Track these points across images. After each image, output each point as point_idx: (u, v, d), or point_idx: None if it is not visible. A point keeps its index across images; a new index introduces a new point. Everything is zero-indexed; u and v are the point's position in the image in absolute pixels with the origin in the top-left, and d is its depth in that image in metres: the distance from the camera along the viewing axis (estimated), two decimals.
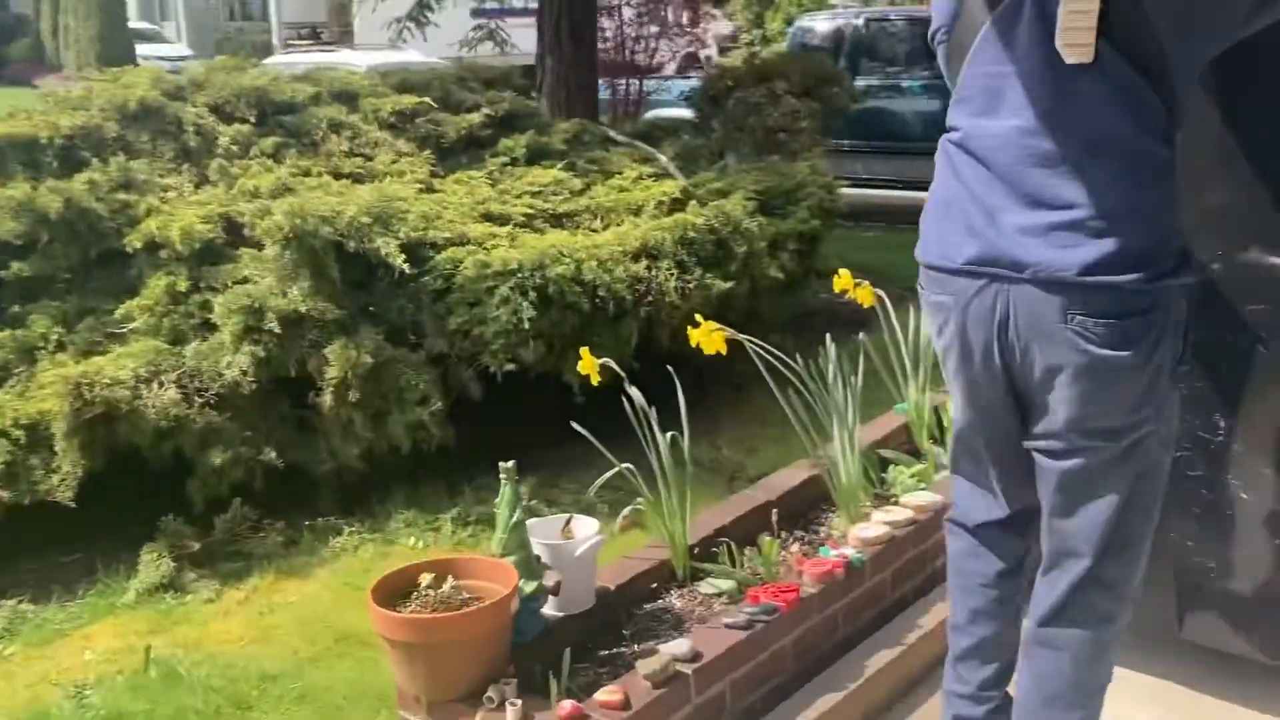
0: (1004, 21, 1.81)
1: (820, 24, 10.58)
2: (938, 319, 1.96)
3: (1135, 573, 1.96)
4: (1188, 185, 1.89)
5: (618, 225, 4.36)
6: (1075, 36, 1.70)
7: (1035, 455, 1.95)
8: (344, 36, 20.22)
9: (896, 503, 3.05)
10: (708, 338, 2.88)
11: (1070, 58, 1.72)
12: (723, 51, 22.08)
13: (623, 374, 2.67)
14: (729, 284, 4.21)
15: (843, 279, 3.40)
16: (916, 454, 3.48)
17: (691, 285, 4.10)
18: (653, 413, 2.70)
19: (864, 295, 3.43)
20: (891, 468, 3.31)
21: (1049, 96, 1.77)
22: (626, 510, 2.74)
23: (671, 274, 4.07)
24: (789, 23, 21.60)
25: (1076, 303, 1.75)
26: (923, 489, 3.15)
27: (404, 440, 3.73)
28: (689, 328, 2.88)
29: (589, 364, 2.65)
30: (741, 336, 2.85)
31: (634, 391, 2.65)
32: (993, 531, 2.11)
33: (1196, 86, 1.88)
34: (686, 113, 9.03)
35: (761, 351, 2.89)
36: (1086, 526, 1.91)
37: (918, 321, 3.56)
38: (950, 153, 1.92)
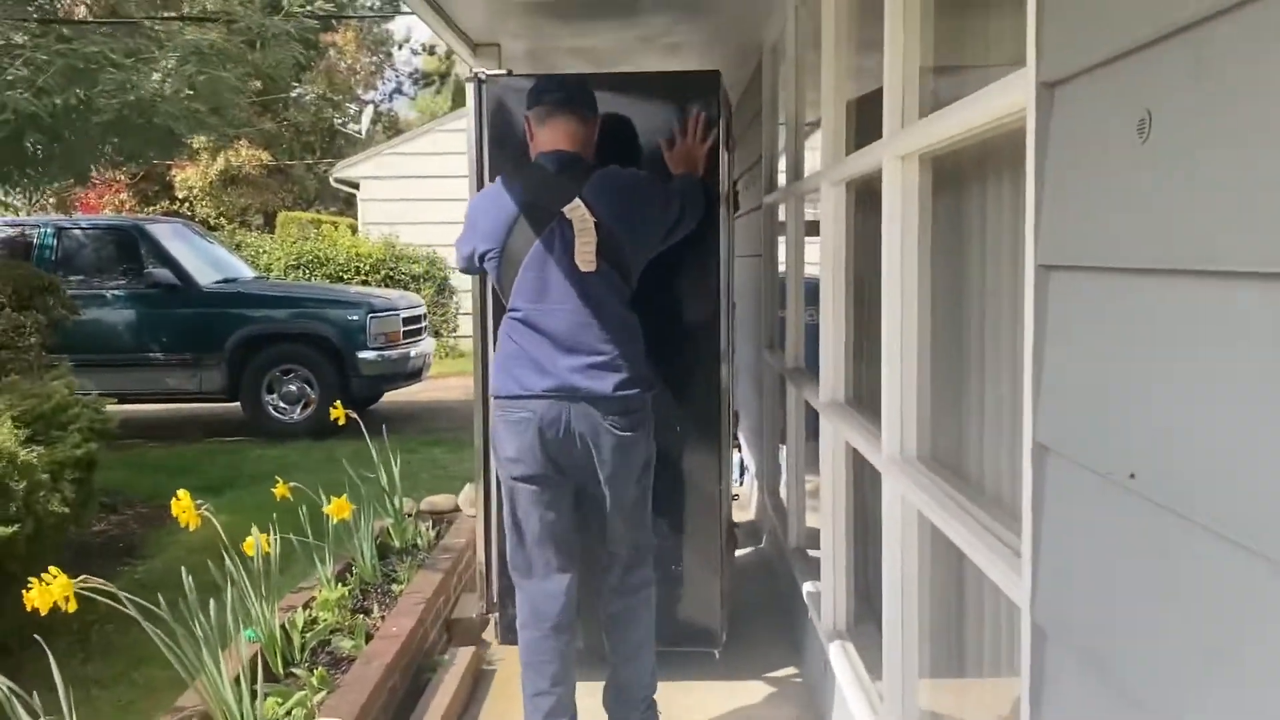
0: (545, 245, 2.92)
1: None
2: (518, 430, 2.92)
3: (651, 553, 3.20)
4: None
5: None
6: (585, 255, 2.86)
7: (602, 499, 2.99)
8: None
9: None
10: (63, 590, 2.46)
11: (584, 267, 2.88)
12: None
13: None
14: (13, 529, 3.58)
15: (183, 501, 3.16)
16: (278, 680, 3.27)
17: None
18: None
19: (191, 517, 3.23)
20: (260, 703, 3.07)
21: (576, 288, 2.90)
22: None
23: None
24: None
25: (610, 409, 2.90)
26: (301, 711, 2.98)
27: None
28: (33, 587, 2.42)
29: None
30: (123, 588, 2.47)
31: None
32: (566, 597, 3.04)
33: None
34: None
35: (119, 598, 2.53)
36: (631, 534, 3.09)
37: (235, 536, 3.40)
38: (515, 325, 2.96)
